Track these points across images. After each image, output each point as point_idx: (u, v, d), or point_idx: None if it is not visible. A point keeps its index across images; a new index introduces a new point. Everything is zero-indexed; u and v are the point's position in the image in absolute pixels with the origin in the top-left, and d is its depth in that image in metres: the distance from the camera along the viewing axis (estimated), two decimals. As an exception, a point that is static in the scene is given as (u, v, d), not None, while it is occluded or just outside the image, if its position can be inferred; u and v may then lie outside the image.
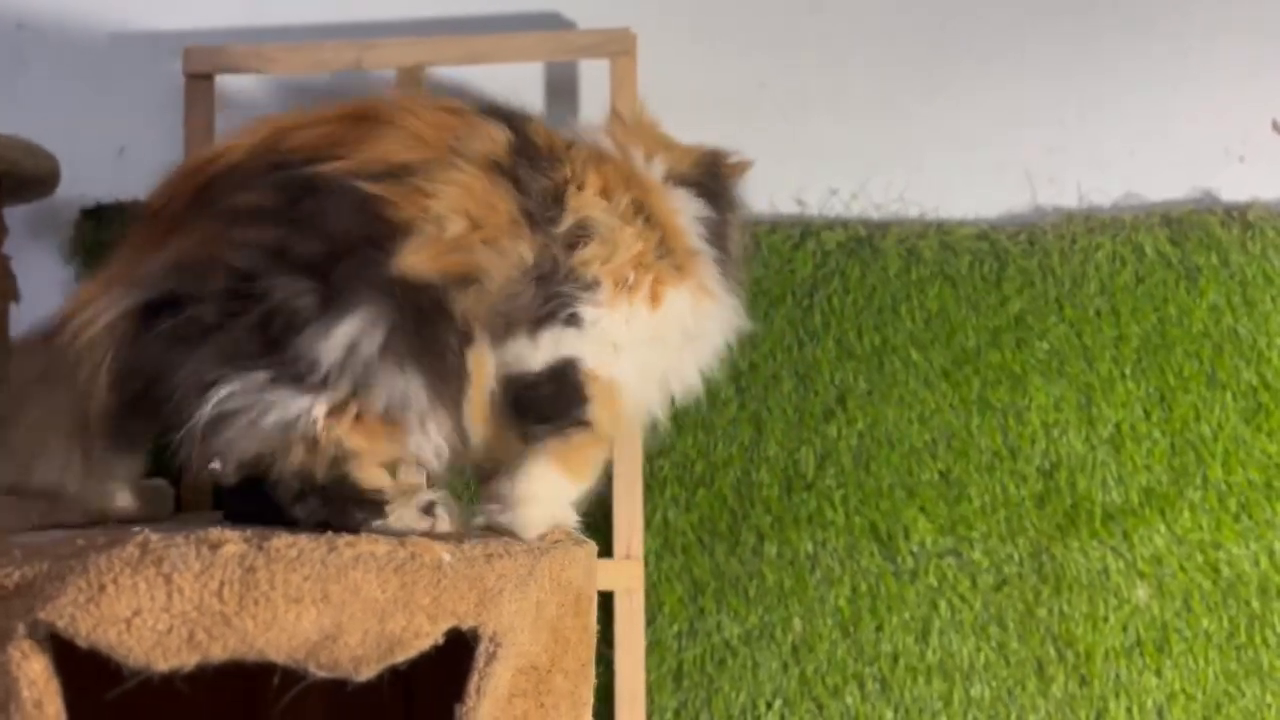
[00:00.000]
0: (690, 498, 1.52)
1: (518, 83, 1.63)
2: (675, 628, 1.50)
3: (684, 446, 1.52)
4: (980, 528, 1.48)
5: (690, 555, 1.51)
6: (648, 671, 1.48)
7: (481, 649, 0.95)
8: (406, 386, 0.97)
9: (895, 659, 1.47)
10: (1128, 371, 1.49)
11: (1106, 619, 1.45)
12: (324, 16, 1.69)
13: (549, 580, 1.01)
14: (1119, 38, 1.57)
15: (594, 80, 1.62)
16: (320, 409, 0.95)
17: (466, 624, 0.94)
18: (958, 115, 1.58)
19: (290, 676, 0.87)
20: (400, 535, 0.97)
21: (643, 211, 1.08)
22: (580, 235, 1.03)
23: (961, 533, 1.48)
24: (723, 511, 1.51)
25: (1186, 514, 1.46)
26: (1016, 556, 1.47)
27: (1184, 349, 1.49)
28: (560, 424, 1.05)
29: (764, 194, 1.58)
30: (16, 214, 1.65)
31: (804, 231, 1.54)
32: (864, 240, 1.53)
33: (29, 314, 1.42)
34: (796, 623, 1.48)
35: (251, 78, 1.66)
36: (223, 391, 0.93)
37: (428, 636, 0.91)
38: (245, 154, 0.98)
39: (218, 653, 0.84)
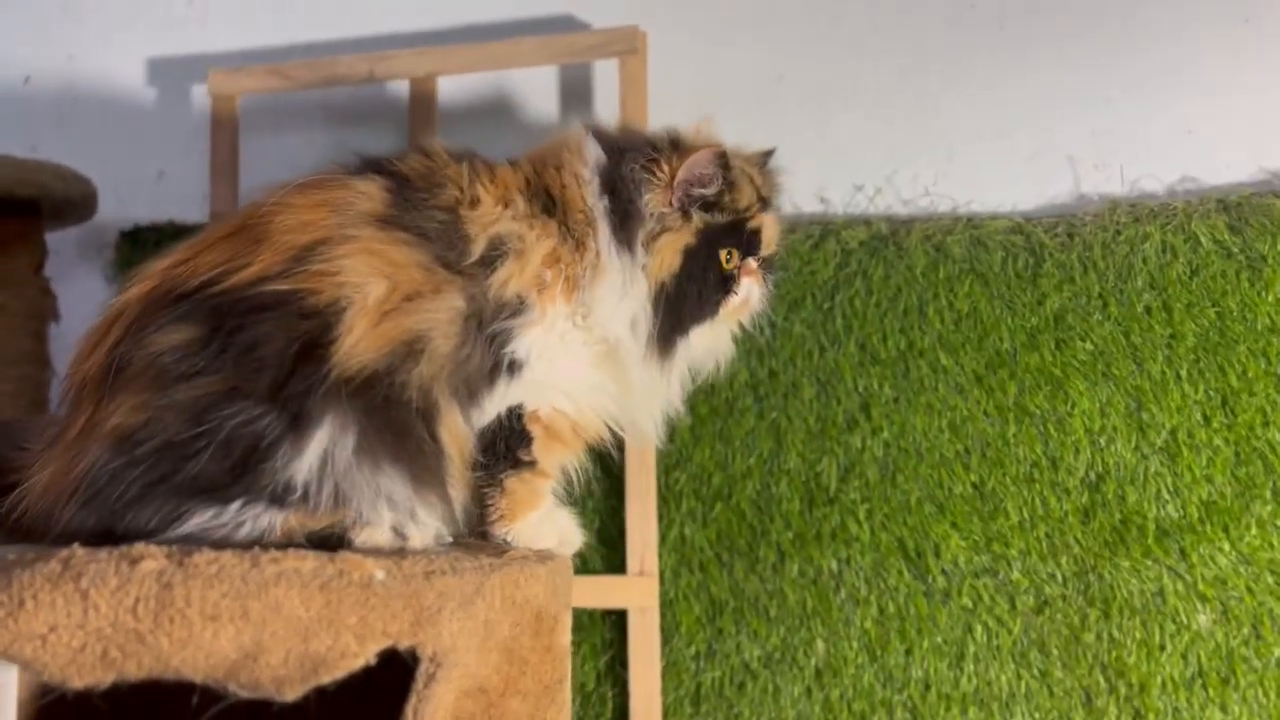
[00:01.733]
0: (708, 512, 1.45)
1: (532, 88, 1.61)
2: (693, 648, 1.43)
3: (700, 458, 1.46)
4: (1018, 545, 1.36)
5: (708, 572, 1.44)
6: (664, 694, 1.41)
7: (420, 670, 0.91)
8: (391, 485, 0.97)
9: (926, 686, 1.36)
10: (1183, 373, 1.35)
11: (1163, 647, 1.32)
12: (345, 32, 1.70)
13: (500, 598, 0.96)
14: (1170, 5, 1.43)
15: (608, 81, 1.58)
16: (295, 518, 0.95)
17: (402, 644, 0.90)
18: (991, 100, 1.47)
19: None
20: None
21: (540, 195, 1.06)
22: (496, 255, 1.01)
23: (998, 550, 1.37)
24: (741, 527, 1.44)
25: (1254, 530, 1.31)
26: (1059, 576, 1.35)
27: (1247, 347, 1.34)
28: (505, 467, 1.07)
29: (785, 193, 1.50)
30: (62, 238, 1.72)
31: (824, 230, 1.46)
32: (888, 238, 1.44)
33: (70, 334, 1.46)
34: (820, 645, 1.39)
35: (275, 96, 1.69)
36: (191, 523, 0.93)
37: (356, 657, 0.87)
38: (145, 301, 0.97)
39: (133, 671, 0.82)
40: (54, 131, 1.81)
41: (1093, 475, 1.36)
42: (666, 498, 1.46)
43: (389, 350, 0.96)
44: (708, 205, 1.08)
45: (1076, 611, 1.34)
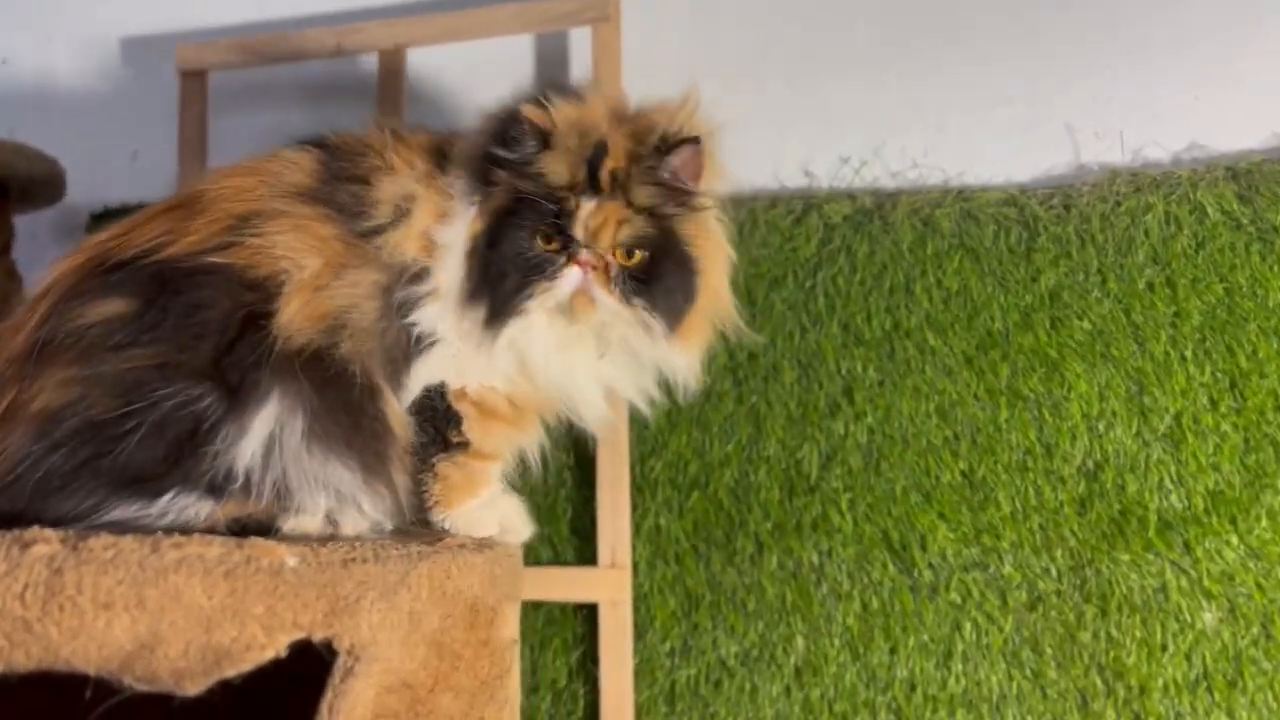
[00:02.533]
0: (683, 501, 1.38)
1: (506, 60, 1.55)
2: (667, 644, 1.36)
3: (676, 445, 1.39)
4: (1010, 537, 1.28)
5: (684, 565, 1.37)
6: (637, 692, 1.35)
7: (338, 664, 0.86)
8: (340, 475, 0.93)
9: (912, 686, 1.28)
10: (1188, 354, 1.26)
11: (1165, 646, 1.23)
12: (324, 7, 1.65)
13: (428, 589, 0.90)
14: (1176, -36, 1.34)
15: (585, 51, 1.51)
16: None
17: (316, 636, 0.84)
18: (986, 66, 1.38)
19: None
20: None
21: (442, 156, 1.00)
22: (399, 219, 0.97)
23: (988, 543, 1.28)
24: (719, 517, 1.36)
25: (1264, 522, 1.22)
26: (1054, 571, 1.26)
27: (1258, 325, 1.24)
28: (436, 451, 1.01)
29: (768, 166, 1.44)
30: (35, 220, 1.69)
31: (807, 205, 1.38)
32: (873, 212, 1.36)
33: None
34: (800, 642, 1.32)
35: (248, 74, 1.64)
36: (114, 514, 0.88)
37: (263, 649, 0.81)
38: (76, 275, 0.92)
39: (21, 661, 0.77)
40: (32, 114, 1.77)
41: (1090, 463, 1.27)
42: (641, 486, 1.39)
43: (324, 327, 0.92)
44: (513, 166, 0.96)
45: (1072, 608, 1.25)
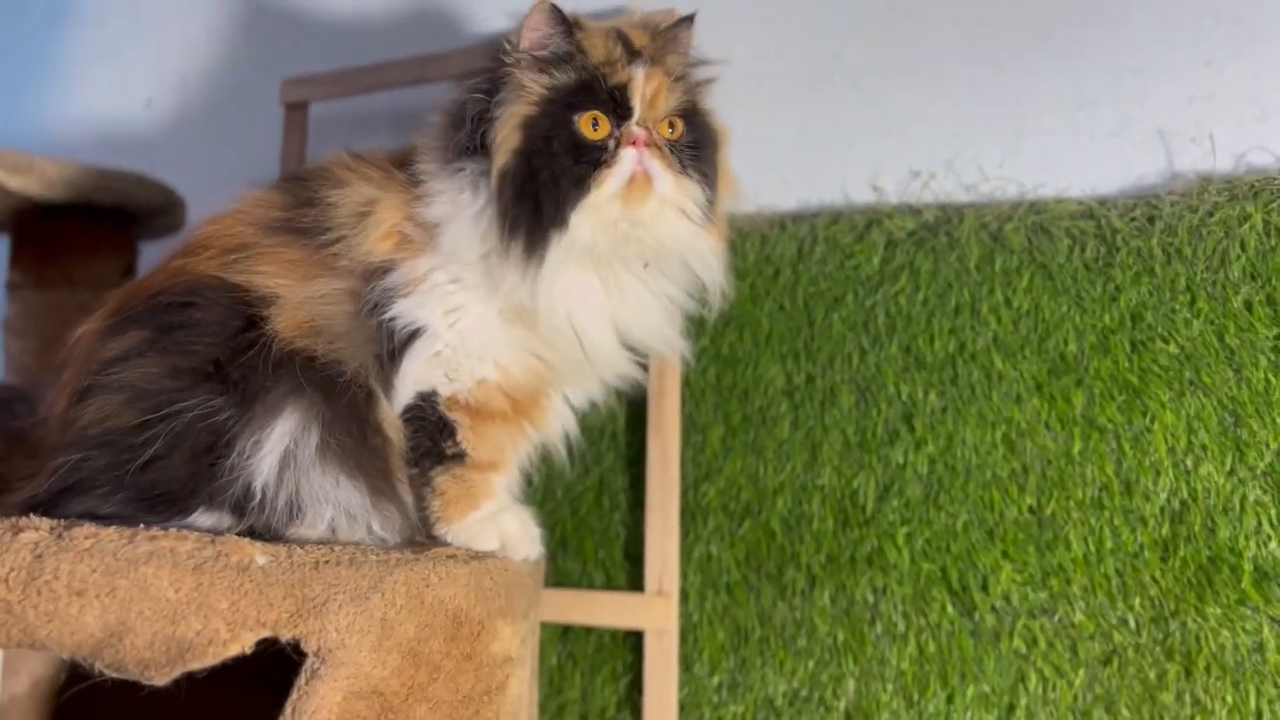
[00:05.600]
0: (735, 529, 1.32)
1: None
2: (715, 678, 1.30)
3: (731, 471, 1.34)
4: (1082, 582, 1.16)
5: (734, 595, 1.31)
6: (681, 725, 1.30)
7: (305, 666, 0.86)
8: (350, 497, 0.95)
9: (970, 740, 1.18)
10: (1293, 381, 1.11)
11: (1260, 714, 1.07)
12: (398, 39, 1.72)
13: (404, 596, 0.89)
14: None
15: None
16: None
17: (282, 635, 0.85)
18: (1068, 67, 1.27)
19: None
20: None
21: (403, 162, 1.01)
22: (359, 226, 0.98)
23: (1057, 587, 1.17)
24: (770, 547, 1.30)
25: (1384, 577, 1.05)
26: (1132, 622, 1.13)
27: (1377, 350, 1.08)
28: (432, 464, 1.00)
29: (834, 180, 1.38)
30: (163, 247, 1.82)
31: (869, 220, 1.31)
32: (938, 226, 1.27)
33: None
34: (851, 685, 1.24)
35: (348, 104, 1.72)
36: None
37: (226, 644, 0.83)
38: (101, 320, 0.99)
39: (3, 641, 0.82)
40: (168, 149, 1.92)
41: (1176, 503, 1.13)
42: (694, 512, 1.34)
43: (306, 333, 0.95)
44: (545, 63, 0.94)
45: (1152, 665, 1.12)
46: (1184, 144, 1.21)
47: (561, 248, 0.93)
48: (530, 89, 0.94)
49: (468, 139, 0.95)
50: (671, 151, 0.96)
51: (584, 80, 0.94)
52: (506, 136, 0.94)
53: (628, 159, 0.94)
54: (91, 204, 1.57)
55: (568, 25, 0.95)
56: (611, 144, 0.94)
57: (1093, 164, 1.24)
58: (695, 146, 0.99)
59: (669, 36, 1.01)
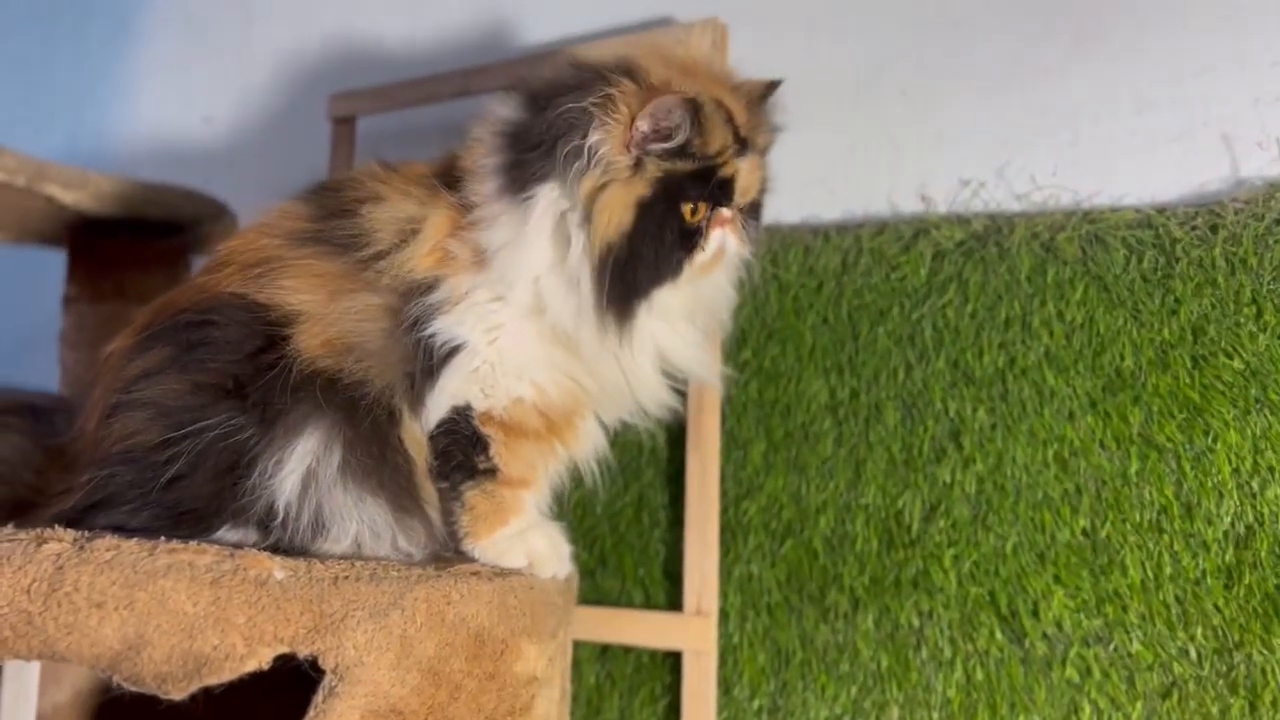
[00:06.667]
0: (776, 549, 1.29)
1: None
2: (756, 702, 1.27)
3: (771, 488, 1.30)
4: (1139, 609, 1.10)
5: (775, 617, 1.28)
6: (720, 750, 1.26)
7: (323, 683, 0.85)
8: (373, 515, 0.95)
9: (1020, 774, 1.12)
10: (1370, 399, 1.04)
11: (1333, 755, 1.01)
12: (441, 50, 1.72)
13: (425, 614, 0.88)
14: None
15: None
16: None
17: (300, 651, 0.84)
18: (1126, 70, 1.22)
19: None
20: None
21: (445, 176, 0.99)
22: (401, 242, 0.97)
23: (1112, 615, 1.11)
24: (813, 568, 1.26)
25: None
26: (1193, 653, 1.07)
27: None
28: (463, 478, 0.99)
29: (882, 190, 1.34)
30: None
31: (916, 231, 1.27)
32: (987, 237, 1.23)
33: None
34: (895, 712, 1.19)
35: (388, 117, 1.72)
36: None
37: (243, 659, 0.82)
38: (132, 335, 1.00)
39: (24, 652, 0.82)
40: (227, 166, 1.96)
41: (1241, 527, 1.07)
42: (735, 531, 1.31)
43: (334, 352, 0.95)
44: (668, 152, 0.94)
45: (1215, 699, 1.06)
46: (1249, 149, 1.15)
47: (646, 313, 0.97)
48: (649, 171, 0.94)
49: (546, 171, 0.94)
50: (743, 222, 1.01)
51: (698, 170, 0.95)
52: (619, 216, 0.93)
53: (716, 240, 0.98)
54: (143, 218, 1.60)
55: (701, 121, 0.94)
56: (704, 224, 0.97)
57: (1151, 171, 1.19)
58: (756, 206, 1.04)
59: (762, 111, 1.03)
